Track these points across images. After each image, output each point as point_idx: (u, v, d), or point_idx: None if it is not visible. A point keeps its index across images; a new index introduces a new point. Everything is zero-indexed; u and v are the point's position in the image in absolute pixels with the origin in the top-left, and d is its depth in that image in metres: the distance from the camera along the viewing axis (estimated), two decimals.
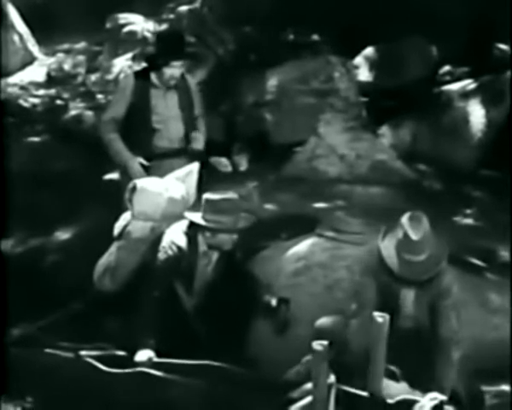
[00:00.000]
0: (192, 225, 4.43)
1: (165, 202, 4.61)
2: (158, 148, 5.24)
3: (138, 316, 4.20)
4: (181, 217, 4.51)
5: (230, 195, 4.46)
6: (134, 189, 4.58)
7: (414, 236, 3.80)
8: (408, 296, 3.97)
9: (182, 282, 4.44)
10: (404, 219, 3.86)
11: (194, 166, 4.87)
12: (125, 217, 4.69)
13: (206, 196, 4.44)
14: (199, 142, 5.32)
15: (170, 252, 4.35)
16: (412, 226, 3.81)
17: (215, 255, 4.50)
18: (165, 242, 4.40)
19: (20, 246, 5.84)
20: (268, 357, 4.46)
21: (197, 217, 4.40)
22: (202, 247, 4.44)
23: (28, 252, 5.78)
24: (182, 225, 4.48)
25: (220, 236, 4.39)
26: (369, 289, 3.97)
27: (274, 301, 4.51)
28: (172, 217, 4.54)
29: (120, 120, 5.20)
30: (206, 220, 4.37)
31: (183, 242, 4.39)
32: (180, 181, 4.77)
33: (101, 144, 5.32)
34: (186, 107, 5.33)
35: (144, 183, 4.65)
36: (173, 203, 4.62)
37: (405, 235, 3.82)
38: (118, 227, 4.69)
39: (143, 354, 4.06)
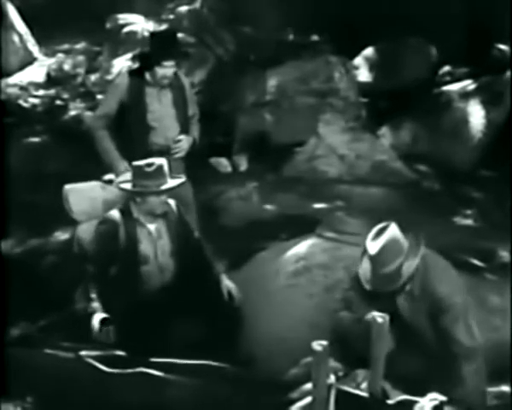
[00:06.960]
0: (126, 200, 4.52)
1: (101, 194, 4.70)
2: (154, 144, 5.24)
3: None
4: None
5: (155, 159, 4.48)
6: (66, 194, 4.67)
7: (371, 251, 3.83)
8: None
9: (126, 250, 4.45)
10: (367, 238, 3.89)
11: None
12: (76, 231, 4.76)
13: (135, 163, 4.51)
14: (181, 149, 5.27)
15: (103, 226, 4.43)
16: (370, 243, 3.84)
17: (161, 223, 4.53)
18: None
19: (20, 246, 5.84)
20: (267, 357, 4.46)
21: (127, 185, 4.48)
22: (135, 213, 4.48)
23: (28, 252, 5.78)
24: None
25: (149, 200, 4.43)
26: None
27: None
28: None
29: (113, 116, 5.20)
30: (134, 186, 4.44)
31: (115, 214, 4.45)
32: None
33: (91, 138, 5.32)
34: (180, 106, 5.34)
35: (73, 185, 4.73)
36: (112, 195, 4.67)
37: (367, 253, 3.86)
38: (74, 242, 4.75)
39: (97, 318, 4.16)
